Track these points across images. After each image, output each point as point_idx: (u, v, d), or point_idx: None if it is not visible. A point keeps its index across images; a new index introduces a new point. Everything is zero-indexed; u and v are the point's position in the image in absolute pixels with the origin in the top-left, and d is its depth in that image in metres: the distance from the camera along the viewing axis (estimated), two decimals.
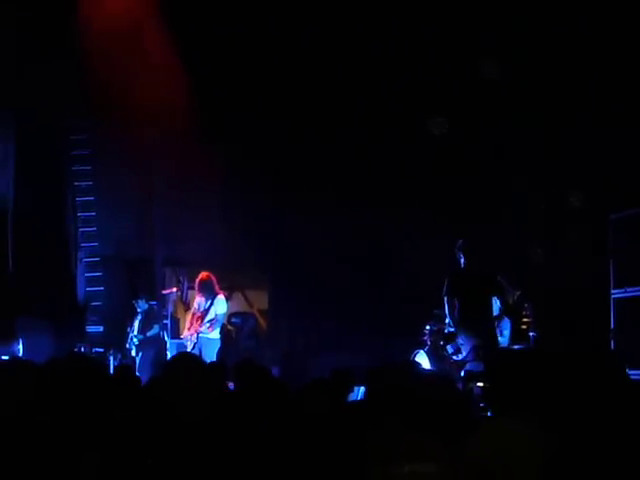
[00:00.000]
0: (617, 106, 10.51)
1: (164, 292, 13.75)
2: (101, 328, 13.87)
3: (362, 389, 7.62)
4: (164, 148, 13.39)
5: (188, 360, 3.96)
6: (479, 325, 9.11)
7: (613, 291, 10.19)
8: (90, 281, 14.20)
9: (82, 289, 14.09)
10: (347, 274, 12.90)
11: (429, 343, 10.63)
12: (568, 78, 11.10)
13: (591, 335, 10.02)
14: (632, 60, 10.41)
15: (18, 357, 10.21)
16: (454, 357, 9.17)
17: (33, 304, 12.44)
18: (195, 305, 11.97)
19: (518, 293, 10.15)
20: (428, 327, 10.69)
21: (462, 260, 9.24)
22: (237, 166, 13.15)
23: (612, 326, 10.15)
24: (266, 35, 12.43)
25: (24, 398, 3.65)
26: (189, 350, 11.29)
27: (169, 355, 12.54)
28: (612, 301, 10.19)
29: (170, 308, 13.67)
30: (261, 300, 14.60)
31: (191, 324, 11.85)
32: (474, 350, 8.95)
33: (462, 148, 12.05)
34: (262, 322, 14.41)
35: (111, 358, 12.57)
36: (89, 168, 14.30)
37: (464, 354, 9.04)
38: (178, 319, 13.78)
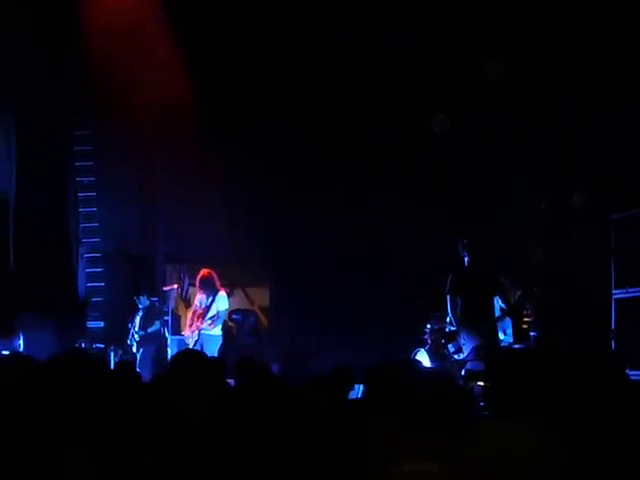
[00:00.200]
0: (619, 106, 10.49)
1: (165, 288, 13.74)
2: (102, 324, 13.86)
3: (362, 387, 7.61)
4: (167, 145, 13.38)
5: (193, 357, 3.96)
6: (481, 325, 9.11)
7: (614, 291, 10.18)
8: (91, 277, 14.19)
9: (83, 285, 14.08)
10: (348, 272, 12.89)
11: (429, 342, 10.64)
12: (570, 77, 11.09)
13: (592, 335, 10.01)
14: (633, 59, 10.40)
15: (19, 352, 10.20)
16: (455, 356, 9.17)
17: (34, 299, 12.43)
18: (196, 302, 11.97)
19: (519, 293, 10.15)
20: (429, 326, 10.70)
21: (466, 259, 9.25)
22: (239, 163, 13.14)
23: (613, 326, 10.14)
24: (269, 32, 12.43)
25: (24, 393, 3.65)
26: (191, 347, 11.30)
27: (170, 352, 12.54)
28: (613, 301, 10.18)
29: (171, 304, 13.66)
30: (262, 297, 14.58)
31: (192, 321, 11.85)
32: (475, 350, 8.95)
33: (464, 147, 12.04)
34: (263, 319, 14.39)
35: (112, 354, 12.58)
36: (91, 164, 14.29)
37: (465, 353, 9.04)
38: (179, 316, 13.77)
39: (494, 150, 11.76)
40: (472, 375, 8.46)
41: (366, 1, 12.20)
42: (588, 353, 4.03)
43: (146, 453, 3.40)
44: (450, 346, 9.25)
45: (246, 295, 14.46)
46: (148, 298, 12.83)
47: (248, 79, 12.83)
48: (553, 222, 11.49)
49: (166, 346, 12.85)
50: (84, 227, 14.25)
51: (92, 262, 14.26)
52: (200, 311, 11.74)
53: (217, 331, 11.73)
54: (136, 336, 12.66)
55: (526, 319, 10.10)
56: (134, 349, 12.65)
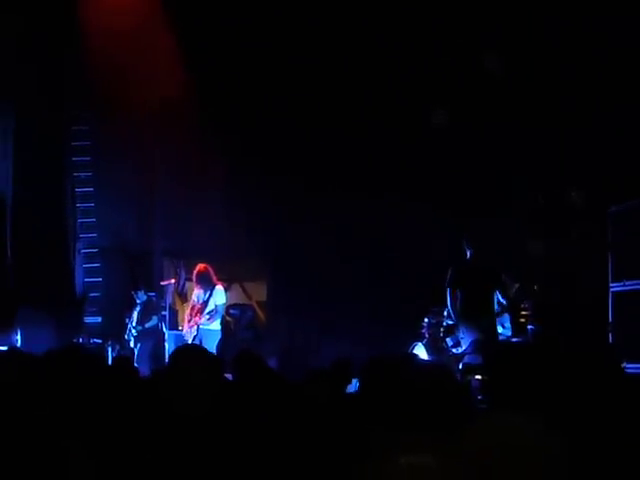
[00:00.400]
0: (618, 100, 10.50)
1: (162, 283, 13.74)
2: (99, 319, 13.88)
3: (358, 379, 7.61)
4: (165, 141, 13.38)
5: (193, 352, 3.96)
6: (481, 319, 9.11)
7: (612, 284, 10.18)
8: (89, 272, 14.19)
9: (80, 280, 14.09)
10: (347, 267, 12.89)
11: (427, 336, 10.65)
12: (568, 73, 11.10)
13: (589, 329, 10.02)
14: (631, 56, 10.40)
15: (16, 347, 10.20)
16: (453, 350, 9.18)
17: (32, 295, 12.42)
18: (194, 297, 11.97)
19: (517, 286, 10.16)
20: (427, 320, 10.71)
21: (468, 253, 9.25)
22: (237, 158, 13.14)
23: (610, 320, 10.14)
24: (268, 30, 12.42)
25: (21, 388, 3.65)
26: (190, 342, 11.29)
27: (167, 347, 12.54)
28: (610, 294, 10.19)
29: (169, 299, 13.66)
30: (260, 292, 14.59)
31: (191, 317, 11.84)
32: (474, 344, 8.96)
33: (463, 143, 12.04)
34: (260, 314, 14.40)
35: (109, 349, 12.59)
36: (89, 159, 14.28)
37: (463, 347, 9.05)
38: (177, 310, 13.78)
39: (492, 145, 11.75)
40: (470, 369, 8.47)
41: None
42: (585, 346, 4.04)
43: (144, 449, 3.40)
44: (448, 339, 9.27)
45: (244, 290, 14.47)
46: (145, 293, 12.84)
47: (248, 78, 12.84)
48: (550, 216, 11.50)
49: (164, 341, 12.84)
50: (81, 222, 14.25)
51: (89, 257, 14.26)
52: (198, 306, 11.73)
53: (216, 326, 11.73)
54: (134, 331, 12.68)
55: (523, 312, 10.10)
56: (132, 344, 12.66)
